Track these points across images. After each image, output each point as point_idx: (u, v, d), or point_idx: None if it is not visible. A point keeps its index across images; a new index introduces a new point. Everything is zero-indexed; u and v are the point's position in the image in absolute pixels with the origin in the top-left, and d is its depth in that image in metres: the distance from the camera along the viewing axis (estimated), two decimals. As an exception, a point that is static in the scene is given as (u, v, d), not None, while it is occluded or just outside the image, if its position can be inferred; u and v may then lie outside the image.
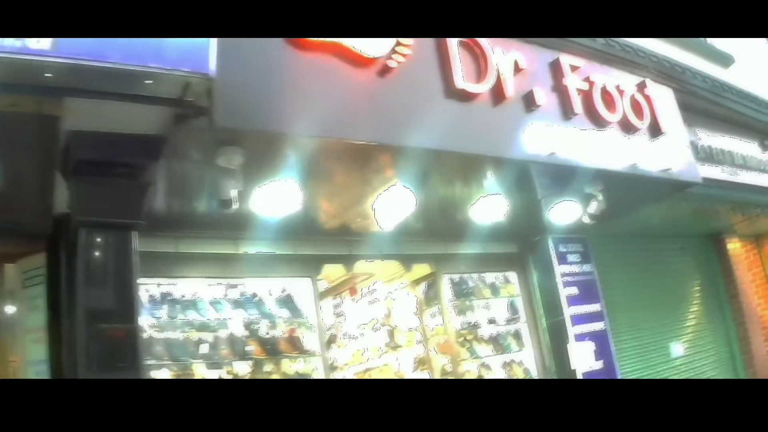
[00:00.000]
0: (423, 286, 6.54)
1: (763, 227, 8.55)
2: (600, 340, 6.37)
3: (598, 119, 5.16)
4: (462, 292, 6.44)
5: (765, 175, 7.49)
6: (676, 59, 6.33)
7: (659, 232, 7.49)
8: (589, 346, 6.22)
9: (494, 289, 6.62)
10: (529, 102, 4.69)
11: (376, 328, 7.34)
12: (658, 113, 5.69)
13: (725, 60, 7.77)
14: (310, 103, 3.62)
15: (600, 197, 5.38)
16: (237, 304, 5.32)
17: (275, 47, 3.55)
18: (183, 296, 5.16)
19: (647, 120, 5.55)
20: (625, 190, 5.73)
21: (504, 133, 4.57)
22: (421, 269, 6.38)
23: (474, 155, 4.45)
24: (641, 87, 5.68)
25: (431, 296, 6.41)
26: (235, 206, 3.97)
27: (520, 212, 5.80)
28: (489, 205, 5.23)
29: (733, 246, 8.26)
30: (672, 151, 5.64)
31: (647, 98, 5.67)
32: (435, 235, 6.21)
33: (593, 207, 5.42)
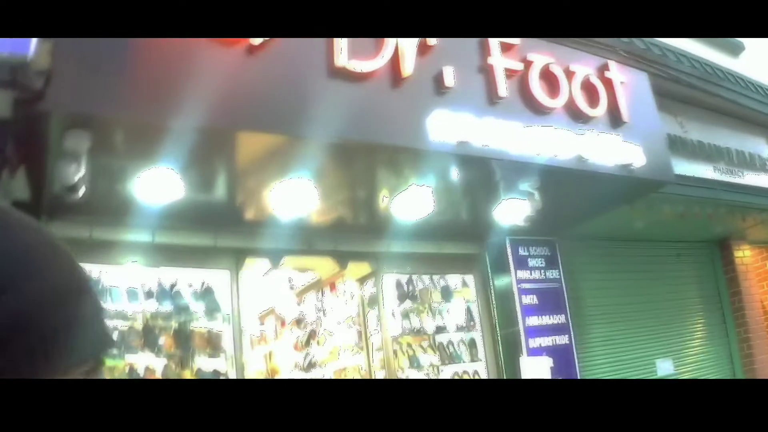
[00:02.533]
0: (366, 286, 5.98)
1: (779, 233, 7.56)
2: (562, 355, 5.68)
3: (535, 105, 4.49)
4: (407, 294, 5.85)
5: (771, 176, 6.56)
6: (654, 40, 5.56)
7: (651, 236, 6.69)
8: (546, 362, 5.54)
9: (447, 293, 6.01)
10: (438, 84, 4.07)
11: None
12: (622, 100, 4.96)
13: (734, 48, 6.89)
14: (163, 87, 3.21)
15: (536, 196, 4.69)
16: (152, 294, 4.95)
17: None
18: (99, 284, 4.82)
19: (603, 108, 4.84)
20: (579, 189, 5.04)
21: (404, 120, 3.98)
22: (360, 268, 5.83)
23: (366, 143, 3.88)
24: (602, 70, 4.96)
25: (372, 298, 5.86)
26: (80, 192, 3.57)
27: (479, 210, 5.22)
28: (412, 199, 4.65)
29: (742, 253, 7.32)
30: (639, 145, 4.89)
31: (608, 83, 4.97)
32: (375, 232, 5.63)
33: (528, 207, 4.73)
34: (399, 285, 5.93)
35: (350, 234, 5.65)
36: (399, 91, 3.96)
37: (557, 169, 4.60)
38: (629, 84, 5.14)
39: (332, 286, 7.31)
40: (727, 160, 6.11)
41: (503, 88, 4.35)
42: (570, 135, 4.62)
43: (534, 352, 5.61)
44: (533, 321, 5.66)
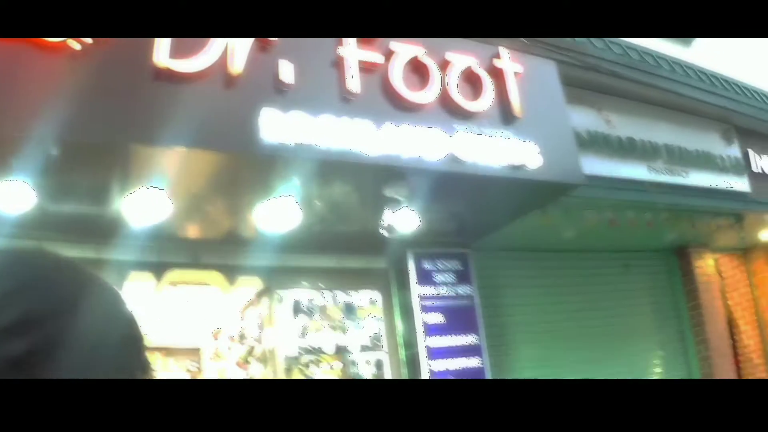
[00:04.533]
0: (262, 301, 5.49)
1: (750, 237, 6.78)
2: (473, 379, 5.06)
3: (398, 101, 3.94)
4: (304, 311, 5.33)
5: (727, 177, 5.82)
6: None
7: (590, 246, 6.01)
8: (453, 388, 4.90)
9: (350, 310, 5.45)
10: (276, 81, 3.58)
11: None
12: (514, 93, 4.35)
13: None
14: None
15: (404, 202, 4.13)
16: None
17: None
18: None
19: (488, 102, 4.25)
20: (471, 195, 4.46)
21: (235, 122, 3.51)
22: (251, 282, 5.34)
23: (196, 149, 3.46)
24: (491, 59, 4.37)
25: (266, 314, 5.36)
26: None
27: (375, 221, 4.71)
28: (278, 210, 4.16)
29: (704, 263, 6.55)
30: (537, 143, 4.28)
31: (497, 73, 4.36)
32: (268, 245, 5.13)
33: (394, 215, 4.18)
34: (295, 301, 5.40)
35: (242, 247, 5.16)
36: (231, 91, 3.49)
37: (426, 173, 4.04)
38: (529, 74, 4.53)
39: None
40: (666, 159, 5.41)
41: (354, 82, 3.83)
42: (440, 133, 4.03)
43: (438, 375, 5.03)
44: (437, 341, 5.08)
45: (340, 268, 5.44)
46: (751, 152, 6.22)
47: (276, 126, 3.55)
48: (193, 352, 7.92)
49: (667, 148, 5.45)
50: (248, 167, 3.99)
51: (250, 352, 6.42)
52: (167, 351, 7.56)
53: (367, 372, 5.47)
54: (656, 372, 6.29)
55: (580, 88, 5.09)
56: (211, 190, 4.30)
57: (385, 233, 4.40)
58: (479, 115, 4.25)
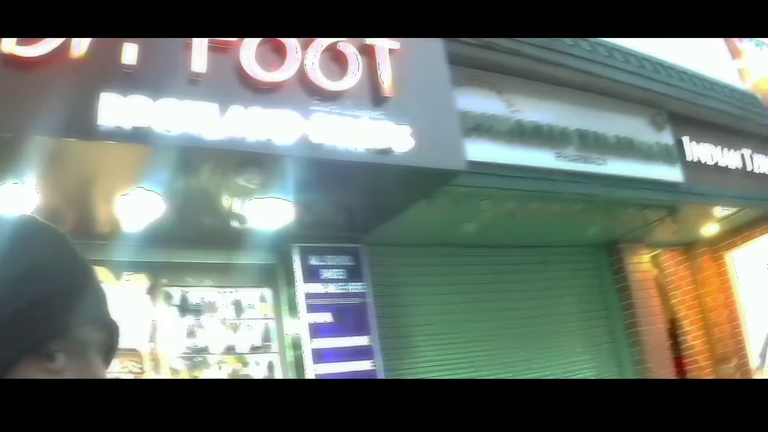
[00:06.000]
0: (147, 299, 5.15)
1: (691, 232, 6.34)
2: (364, 383, 4.66)
3: (249, 81, 3.62)
4: (190, 309, 5.00)
5: (656, 166, 5.41)
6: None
7: (502, 241, 5.62)
8: (340, 392, 4.54)
9: (239, 309, 5.11)
10: (119, 64, 3.33)
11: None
12: (386, 73, 3.99)
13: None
14: None
15: (257, 189, 3.79)
16: None
17: None
18: None
19: (353, 81, 3.89)
20: (341, 183, 4.11)
21: (80, 107, 3.28)
22: (137, 278, 5.00)
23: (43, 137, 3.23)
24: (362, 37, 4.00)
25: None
26: None
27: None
28: (138, 203, 3.89)
29: (637, 259, 6.11)
30: (410, 125, 3.91)
31: (368, 50, 3.98)
32: (155, 240, 4.81)
33: (251, 205, 3.84)
34: (181, 299, 5.07)
35: (121, 242, 4.84)
36: (75, 76, 3.23)
37: (277, 158, 3.70)
38: (408, 52, 4.14)
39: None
40: (578, 145, 4.99)
41: (201, 63, 3.51)
42: (294, 115, 3.67)
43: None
44: (324, 343, 4.72)
45: (228, 264, 5.10)
46: (685, 140, 5.79)
47: (114, 110, 3.27)
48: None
49: (581, 133, 5.03)
50: (107, 156, 3.69)
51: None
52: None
53: (257, 374, 5.13)
54: (582, 375, 5.86)
55: (479, 68, 4.70)
56: (77, 181, 4.02)
57: (237, 225, 4.05)
58: (343, 95, 3.89)
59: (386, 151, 3.89)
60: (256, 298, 5.27)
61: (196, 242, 4.92)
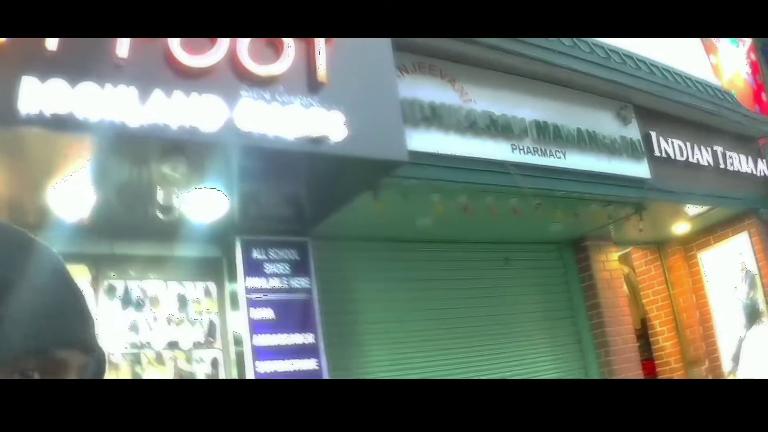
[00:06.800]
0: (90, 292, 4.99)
1: (662, 231, 6.14)
2: (308, 383, 4.49)
3: (174, 65, 3.44)
4: (133, 302, 4.83)
5: (621, 161, 5.23)
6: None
7: (461, 237, 5.43)
8: (281, 392, 4.36)
9: (183, 303, 4.94)
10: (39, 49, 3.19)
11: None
12: (321, 58, 3.80)
13: None
14: None
15: (183, 178, 3.62)
16: None
17: None
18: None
19: (285, 66, 3.71)
20: (281, 173, 3.96)
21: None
22: (78, 270, 4.83)
23: None
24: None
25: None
26: None
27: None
28: (70, 193, 3.76)
29: (605, 257, 5.91)
30: (347, 114, 3.74)
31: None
32: (95, 231, 4.64)
33: (173, 195, 3.66)
34: (123, 292, 4.90)
35: (64, 233, 4.68)
36: None
37: (202, 145, 3.53)
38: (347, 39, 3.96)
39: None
40: (536, 138, 4.79)
41: (123, 47, 3.34)
42: (220, 101, 3.50)
43: (264, 378, 4.48)
44: (265, 340, 4.54)
45: (172, 256, 4.93)
46: (653, 134, 5.59)
47: (34, 96, 3.09)
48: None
49: (539, 125, 4.84)
50: (34, 143, 3.52)
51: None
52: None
53: (200, 371, 4.97)
54: (546, 378, 5.66)
55: (430, 55, 4.52)
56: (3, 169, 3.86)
57: (164, 216, 3.87)
58: (276, 80, 3.70)
59: (320, 140, 3.71)
60: (201, 292, 5.10)
61: (139, 234, 4.76)
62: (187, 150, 3.61)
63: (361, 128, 3.82)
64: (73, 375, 0.65)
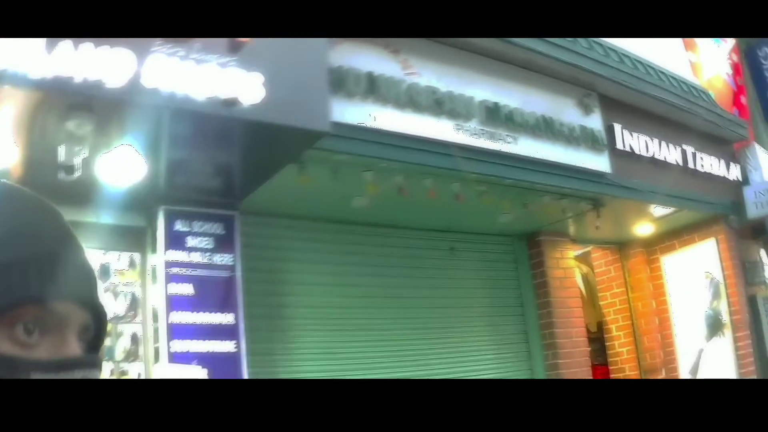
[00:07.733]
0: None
1: (623, 231, 5.86)
2: (225, 366, 4.28)
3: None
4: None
5: (579, 151, 4.94)
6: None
7: (405, 222, 5.17)
8: (195, 373, 4.13)
9: (105, 273, 4.67)
10: None
11: None
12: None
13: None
14: None
15: (89, 137, 3.36)
16: None
17: None
18: None
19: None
20: (205, 137, 3.71)
21: None
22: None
23: None
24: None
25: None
26: None
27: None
28: None
29: (560, 254, 5.64)
30: (267, 76, 3.47)
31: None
32: None
33: (80, 155, 3.41)
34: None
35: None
36: None
37: (108, 102, 3.27)
38: None
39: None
40: (484, 119, 4.51)
41: None
42: (130, 56, 3.23)
43: (180, 357, 4.23)
44: (183, 317, 4.28)
45: (92, 222, 4.66)
46: (617, 126, 5.30)
47: None
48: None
49: (488, 107, 4.55)
50: None
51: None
52: None
53: (120, 345, 4.70)
54: (489, 377, 5.39)
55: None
56: None
57: (63, 176, 3.60)
58: (193, 39, 3.42)
59: (232, 102, 3.44)
60: (126, 263, 4.83)
61: (53, 197, 4.49)
62: (93, 106, 3.35)
63: (281, 93, 3.55)
64: (72, 331, 0.64)
